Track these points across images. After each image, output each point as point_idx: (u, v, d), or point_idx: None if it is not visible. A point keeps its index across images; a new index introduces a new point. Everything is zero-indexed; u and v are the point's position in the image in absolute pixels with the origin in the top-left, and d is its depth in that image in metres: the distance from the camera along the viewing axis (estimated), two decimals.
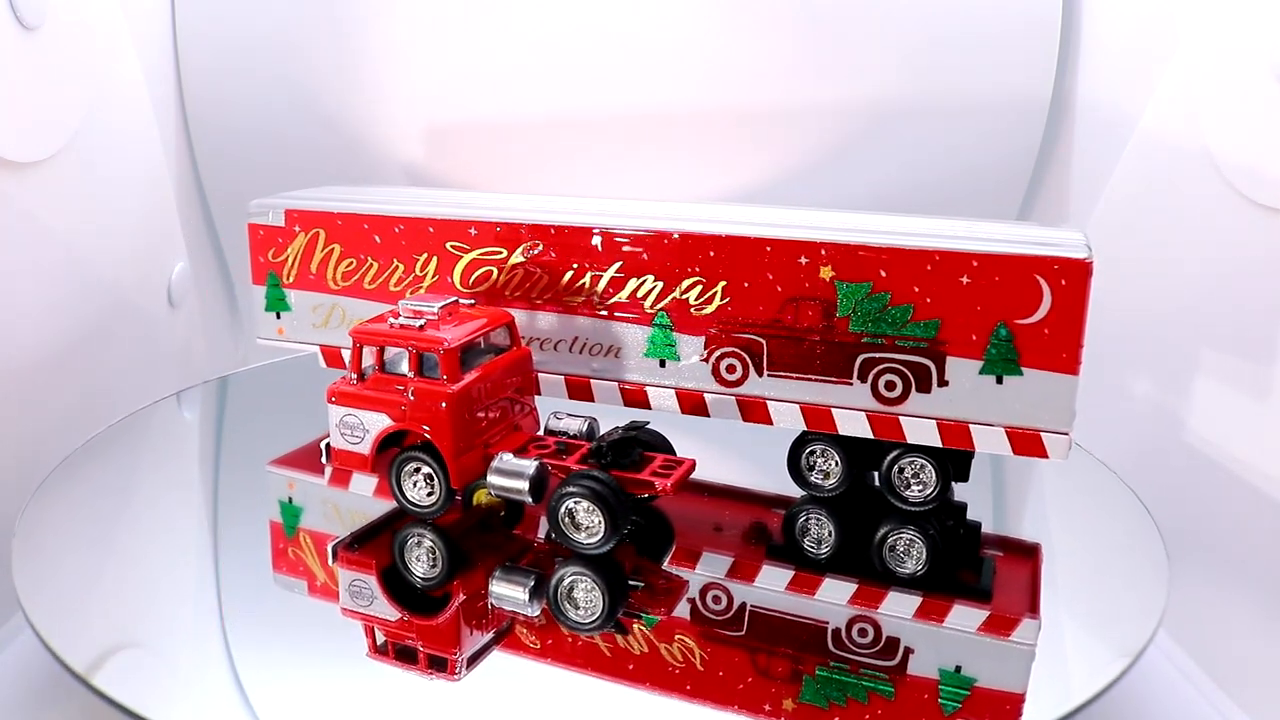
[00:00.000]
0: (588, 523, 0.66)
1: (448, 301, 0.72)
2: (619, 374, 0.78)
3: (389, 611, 0.66)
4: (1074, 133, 1.17)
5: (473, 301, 0.75)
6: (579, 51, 1.20)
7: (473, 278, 0.80)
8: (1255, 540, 0.84)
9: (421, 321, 0.69)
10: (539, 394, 0.80)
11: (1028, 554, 0.75)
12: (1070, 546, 0.80)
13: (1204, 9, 0.94)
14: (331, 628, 0.65)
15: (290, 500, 0.84)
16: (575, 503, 0.65)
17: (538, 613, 0.64)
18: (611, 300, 0.77)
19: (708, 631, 0.63)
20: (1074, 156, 1.17)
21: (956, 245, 0.67)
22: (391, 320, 0.69)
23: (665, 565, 0.71)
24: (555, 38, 1.20)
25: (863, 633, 0.65)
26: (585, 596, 0.66)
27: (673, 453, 0.74)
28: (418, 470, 0.70)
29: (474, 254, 0.80)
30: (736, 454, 0.94)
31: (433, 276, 0.82)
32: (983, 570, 0.72)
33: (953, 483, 0.77)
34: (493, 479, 0.67)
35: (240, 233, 1.24)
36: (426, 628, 0.63)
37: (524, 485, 0.66)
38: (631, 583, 0.69)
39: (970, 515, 0.78)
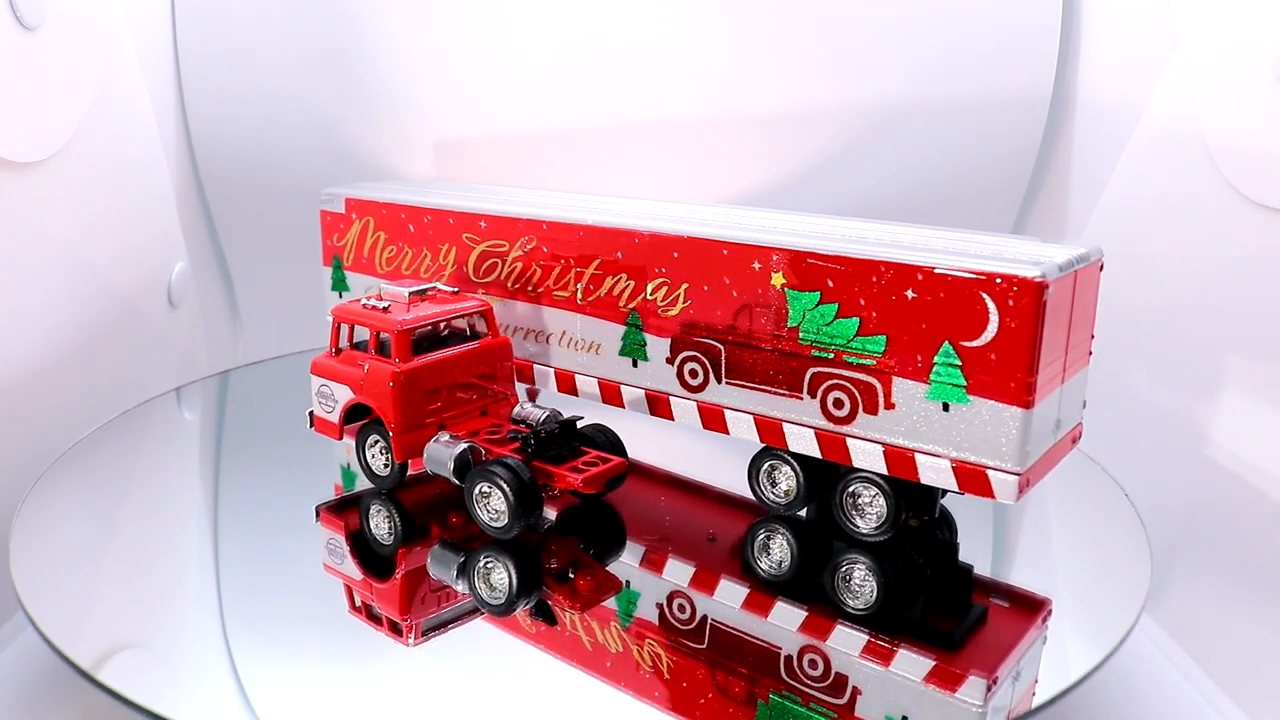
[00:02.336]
0: (499, 506, 0.67)
1: (423, 287, 0.76)
2: (599, 371, 0.79)
3: (354, 572, 0.71)
4: (1074, 132, 1.16)
5: (456, 290, 0.79)
6: (584, 63, 1.20)
7: (482, 269, 0.84)
8: (1245, 532, 0.85)
9: (387, 304, 0.73)
10: (533, 385, 0.83)
11: (1032, 609, 0.68)
12: (1055, 536, 0.82)
13: (1204, 8, 0.93)
14: (331, 623, 0.65)
15: (348, 466, 0.91)
16: (487, 486, 0.67)
17: (465, 589, 0.67)
18: (592, 297, 0.78)
19: (674, 639, 0.62)
20: (1074, 156, 1.16)
21: (903, 256, 0.62)
22: (364, 301, 0.75)
23: (609, 565, 0.71)
24: (558, 51, 1.20)
25: (813, 664, 0.61)
26: (498, 579, 0.67)
27: (617, 451, 0.73)
28: (376, 442, 0.74)
29: (483, 246, 0.84)
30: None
31: (452, 266, 0.86)
32: (967, 618, 0.66)
33: (931, 516, 0.71)
34: (425, 456, 0.71)
35: (240, 233, 1.27)
36: (379, 590, 0.68)
37: (450, 465, 0.69)
38: (571, 576, 0.69)
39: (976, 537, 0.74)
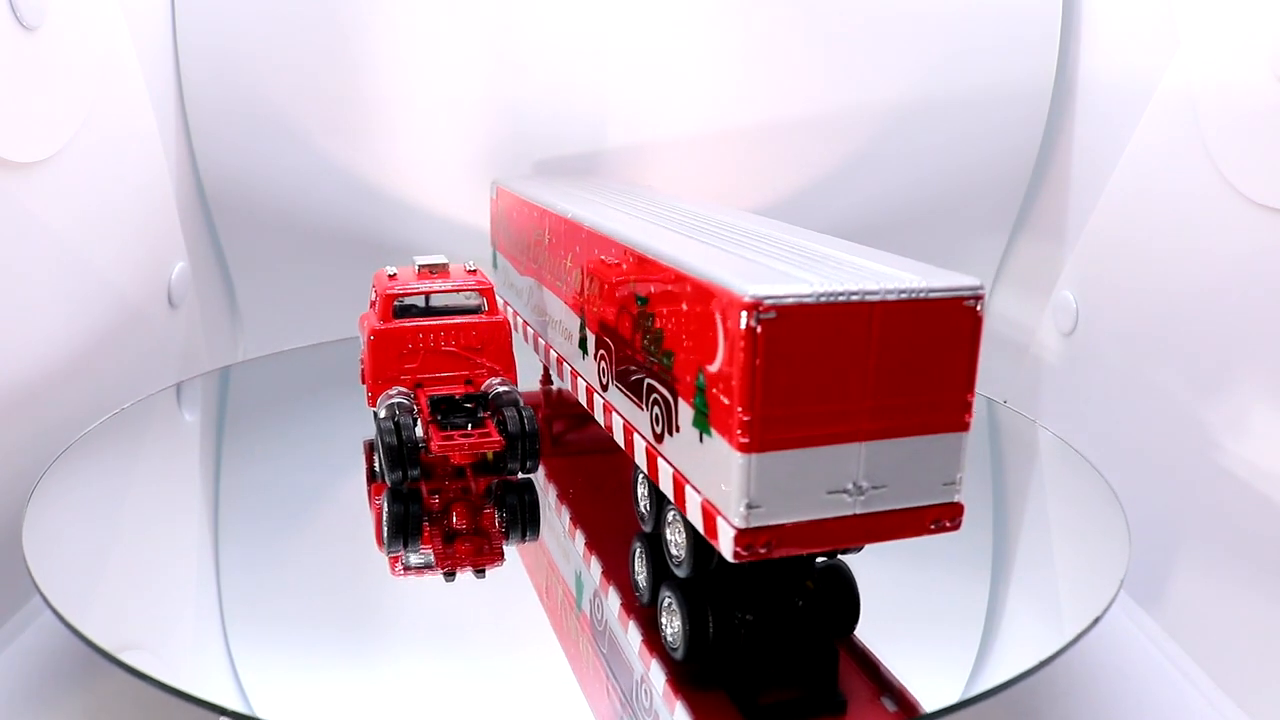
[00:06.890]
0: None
1: (439, 263, 0.85)
2: (570, 358, 0.81)
3: (367, 499, 0.84)
4: (1074, 129, 1.18)
5: (475, 267, 0.86)
6: (594, 80, 1.18)
7: (534, 254, 0.90)
8: (1244, 529, 0.85)
9: (394, 271, 0.84)
10: (542, 364, 0.87)
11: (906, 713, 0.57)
12: (1042, 525, 0.85)
13: (1204, 8, 0.93)
14: (330, 614, 0.67)
15: None
16: (378, 438, 0.75)
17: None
18: (568, 288, 0.80)
19: (597, 634, 0.65)
20: (1074, 154, 1.18)
21: (681, 262, 0.55)
22: (388, 269, 0.86)
23: (509, 543, 0.75)
24: (571, 70, 1.17)
25: (646, 694, 0.62)
26: (385, 525, 0.75)
27: (519, 436, 0.75)
28: None
29: (535, 235, 0.90)
30: None
31: (530, 251, 0.94)
32: (805, 700, 0.59)
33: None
34: (377, 403, 0.80)
35: (240, 233, 1.31)
36: (375, 519, 0.79)
37: (381, 414, 0.78)
38: (454, 539, 0.74)
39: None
